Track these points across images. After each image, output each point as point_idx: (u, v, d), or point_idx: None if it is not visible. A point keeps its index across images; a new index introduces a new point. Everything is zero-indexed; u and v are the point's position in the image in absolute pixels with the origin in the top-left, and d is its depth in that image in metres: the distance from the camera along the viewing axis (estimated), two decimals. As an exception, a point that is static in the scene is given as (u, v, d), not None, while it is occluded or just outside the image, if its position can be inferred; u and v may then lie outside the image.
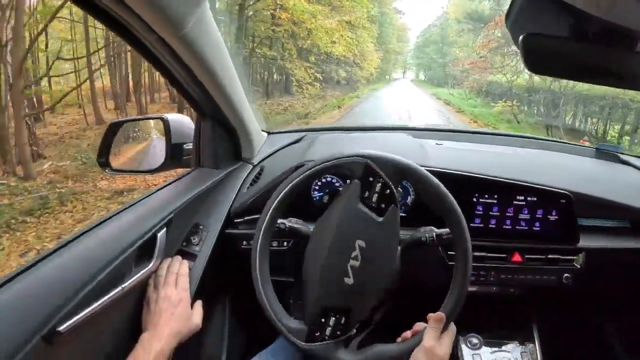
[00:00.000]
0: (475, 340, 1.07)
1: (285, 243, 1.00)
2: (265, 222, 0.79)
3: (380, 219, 0.76)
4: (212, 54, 0.80)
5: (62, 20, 8.40)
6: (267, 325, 0.77)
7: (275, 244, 0.98)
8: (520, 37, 0.47)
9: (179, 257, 0.88)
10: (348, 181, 1.02)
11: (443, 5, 32.58)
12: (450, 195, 0.75)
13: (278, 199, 0.80)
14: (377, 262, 0.76)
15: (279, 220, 0.85)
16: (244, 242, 1.00)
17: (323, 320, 0.74)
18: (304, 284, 0.79)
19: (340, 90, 17.62)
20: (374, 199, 0.76)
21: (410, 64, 43.89)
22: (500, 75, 12.27)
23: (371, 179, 0.76)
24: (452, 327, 0.74)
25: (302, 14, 10.48)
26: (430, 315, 0.74)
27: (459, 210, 0.74)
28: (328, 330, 0.74)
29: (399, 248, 0.84)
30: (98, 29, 8.48)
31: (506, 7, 0.49)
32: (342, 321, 0.74)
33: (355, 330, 0.76)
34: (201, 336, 0.84)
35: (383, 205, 0.76)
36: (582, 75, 0.52)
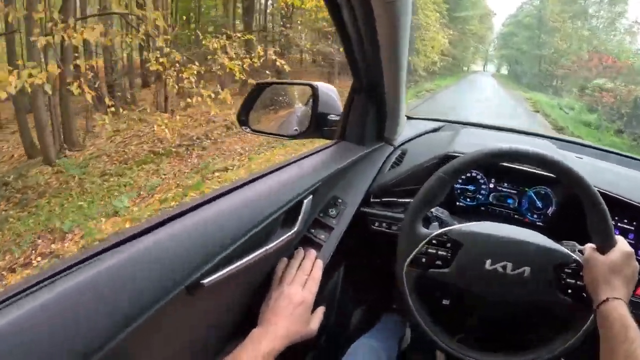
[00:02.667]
0: None
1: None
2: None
3: None
4: (403, 29, 0.76)
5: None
6: (373, 302, 0.76)
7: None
8: None
9: (312, 254, 0.83)
10: (493, 180, 1.03)
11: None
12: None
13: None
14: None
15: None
16: (376, 223, 0.99)
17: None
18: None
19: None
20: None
21: (492, 55, 36.50)
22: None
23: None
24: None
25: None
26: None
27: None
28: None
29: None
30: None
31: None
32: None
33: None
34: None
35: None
36: None
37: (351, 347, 0.98)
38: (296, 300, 0.73)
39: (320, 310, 0.79)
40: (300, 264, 0.80)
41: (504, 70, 33.00)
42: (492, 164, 0.97)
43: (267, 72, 7.86)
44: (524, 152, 0.75)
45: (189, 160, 7.01)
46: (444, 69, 20.02)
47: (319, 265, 0.81)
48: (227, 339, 0.73)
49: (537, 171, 0.97)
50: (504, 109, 12.96)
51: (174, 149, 7.17)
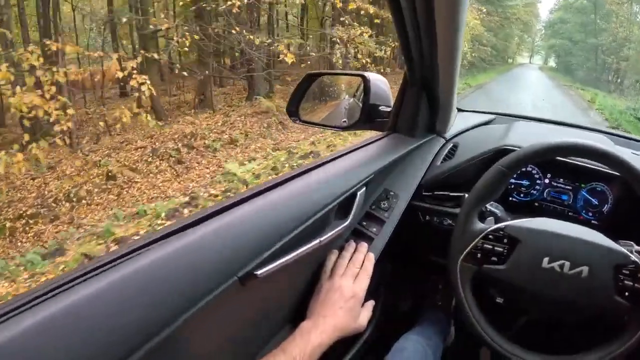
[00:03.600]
0: None
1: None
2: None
3: None
4: (460, 25, 0.74)
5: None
6: (419, 297, 0.75)
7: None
8: None
9: (364, 247, 0.82)
10: (549, 175, 1.00)
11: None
12: None
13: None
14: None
15: None
16: (427, 217, 0.98)
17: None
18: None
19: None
20: None
21: (539, 46, 32.64)
22: None
23: None
24: None
25: None
26: None
27: None
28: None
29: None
30: None
31: None
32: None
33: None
34: None
35: None
36: None
37: (398, 342, 0.98)
38: (347, 294, 0.73)
39: (370, 304, 0.79)
40: (351, 257, 0.80)
41: (552, 63, 29.50)
42: (550, 159, 0.93)
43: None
44: (588, 147, 0.73)
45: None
46: (483, 62, 17.17)
47: (371, 258, 0.81)
48: (277, 330, 0.74)
49: (593, 166, 0.94)
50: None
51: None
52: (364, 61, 8.31)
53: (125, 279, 0.46)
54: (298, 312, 0.74)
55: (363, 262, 0.79)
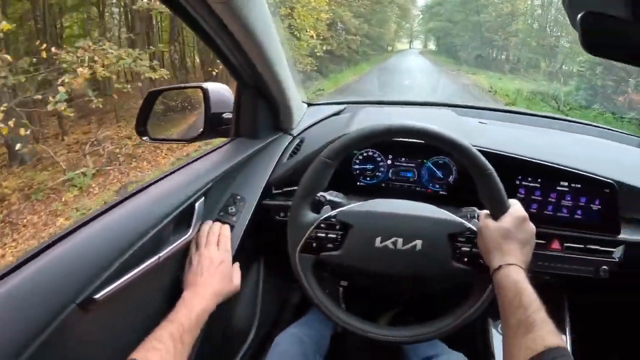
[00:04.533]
0: None
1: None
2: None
3: None
4: (257, 22, 0.78)
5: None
6: (298, 293, 0.78)
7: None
8: (579, 15, 0.44)
9: (218, 223, 0.88)
10: (390, 156, 1.04)
11: None
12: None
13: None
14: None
15: (319, 193, 0.84)
16: (281, 214, 1.00)
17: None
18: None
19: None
20: None
21: (418, 31, 31.00)
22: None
23: None
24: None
25: None
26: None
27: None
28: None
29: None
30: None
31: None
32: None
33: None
34: (234, 302, 0.86)
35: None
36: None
37: (275, 339, 1.00)
38: (216, 259, 0.79)
39: (237, 266, 0.85)
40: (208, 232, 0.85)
41: (432, 46, 28.17)
42: (377, 142, 0.98)
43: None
44: (399, 128, 0.75)
45: None
46: (356, 54, 14.92)
47: (226, 227, 0.88)
48: (129, 351, 0.74)
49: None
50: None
51: None
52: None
53: None
54: (146, 331, 0.74)
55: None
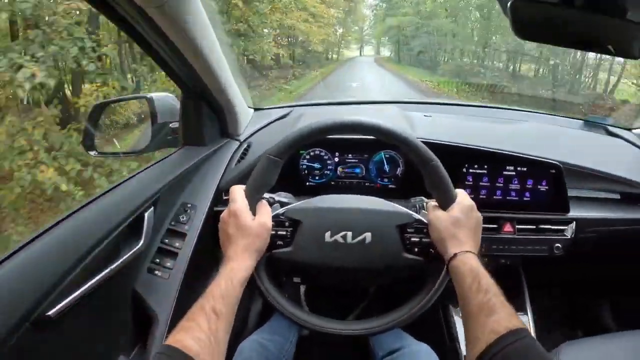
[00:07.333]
0: None
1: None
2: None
3: None
4: (195, 28, 0.78)
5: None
6: (261, 301, 0.76)
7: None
8: (509, 3, 0.46)
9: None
10: (337, 153, 1.04)
11: None
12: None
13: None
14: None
15: (267, 195, 0.82)
16: None
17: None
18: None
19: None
20: None
21: (369, 35, 25.45)
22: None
23: None
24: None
25: None
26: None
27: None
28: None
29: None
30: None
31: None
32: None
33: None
34: None
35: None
36: (571, 42, 0.52)
37: (239, 347, 0.98)
38: (227, 218, 0.72)
39: (260, 204, 0.77)
40: None
41: (386, 52, 23.51)
42: (320, 139, 0.98)
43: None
44: (343, 123, 0.74)
45: None
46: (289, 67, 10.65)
47: (235, 186, 0.78)
48: None
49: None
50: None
51: None
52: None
53: None
54: (105, 344, 0.73)
55: None
